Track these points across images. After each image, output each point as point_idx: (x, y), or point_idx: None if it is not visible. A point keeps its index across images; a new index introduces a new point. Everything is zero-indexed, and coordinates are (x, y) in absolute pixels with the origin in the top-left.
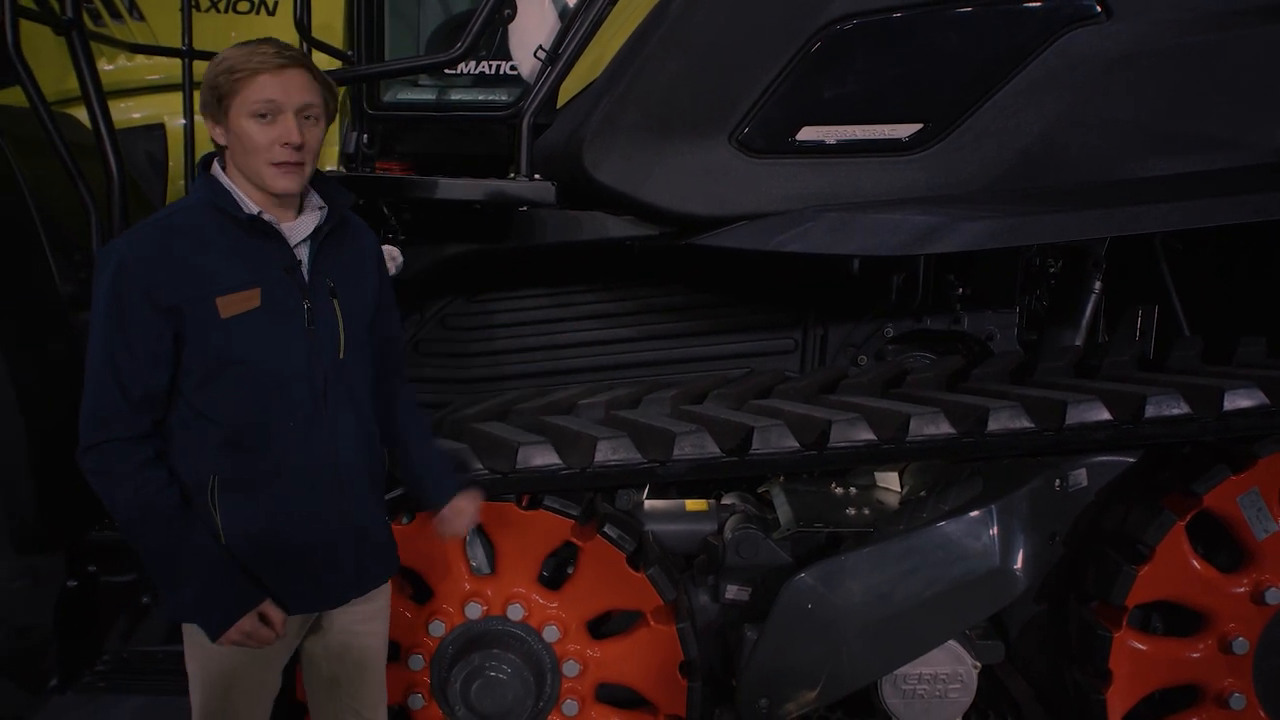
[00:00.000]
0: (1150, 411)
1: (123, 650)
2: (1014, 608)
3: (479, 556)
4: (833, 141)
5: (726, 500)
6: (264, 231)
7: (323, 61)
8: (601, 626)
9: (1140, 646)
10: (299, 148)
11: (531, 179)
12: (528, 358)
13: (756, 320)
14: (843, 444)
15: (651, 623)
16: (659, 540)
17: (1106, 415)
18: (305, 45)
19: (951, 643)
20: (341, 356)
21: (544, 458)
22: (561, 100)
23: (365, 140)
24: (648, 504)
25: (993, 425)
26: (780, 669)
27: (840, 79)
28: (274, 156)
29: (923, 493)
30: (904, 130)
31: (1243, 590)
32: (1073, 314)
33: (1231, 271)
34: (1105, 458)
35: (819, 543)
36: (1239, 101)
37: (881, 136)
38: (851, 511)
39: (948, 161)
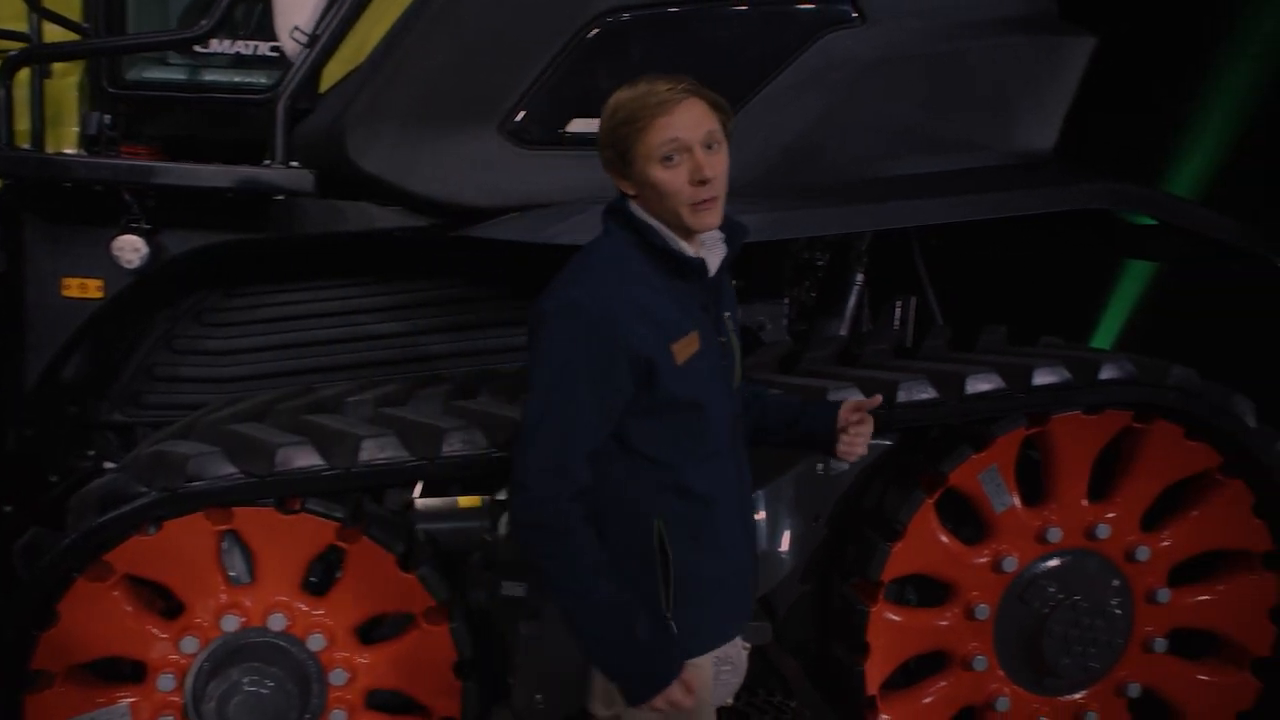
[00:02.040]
0: (902, 397)
1: None
2: (781, 589)
3: (236, 565)
4: (580, 132)
5: (502, 496)
6: (692, 271)
7: (55, 34)
8: (375, 631)
9: (895, 618)
10: (711, 180)
11: (288, 166)
12: (293, 355)
13: None
14: None
15: (423, 624)
16: (432, 539)
17: None
18: (34, 16)
19: None
20: (735, 389)
21: (305, 459)
22: (325, 85)
23: (108, 121)
24: (419, 502)
25: None
26: (556, 664)
27: (609, 72)
28: (692, 197)
29: None
30: None
31: (984, 560)
32: (838, 305)
33: (980, 264)
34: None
35: None
36: (980, 106)
37: None
38: None
39: None
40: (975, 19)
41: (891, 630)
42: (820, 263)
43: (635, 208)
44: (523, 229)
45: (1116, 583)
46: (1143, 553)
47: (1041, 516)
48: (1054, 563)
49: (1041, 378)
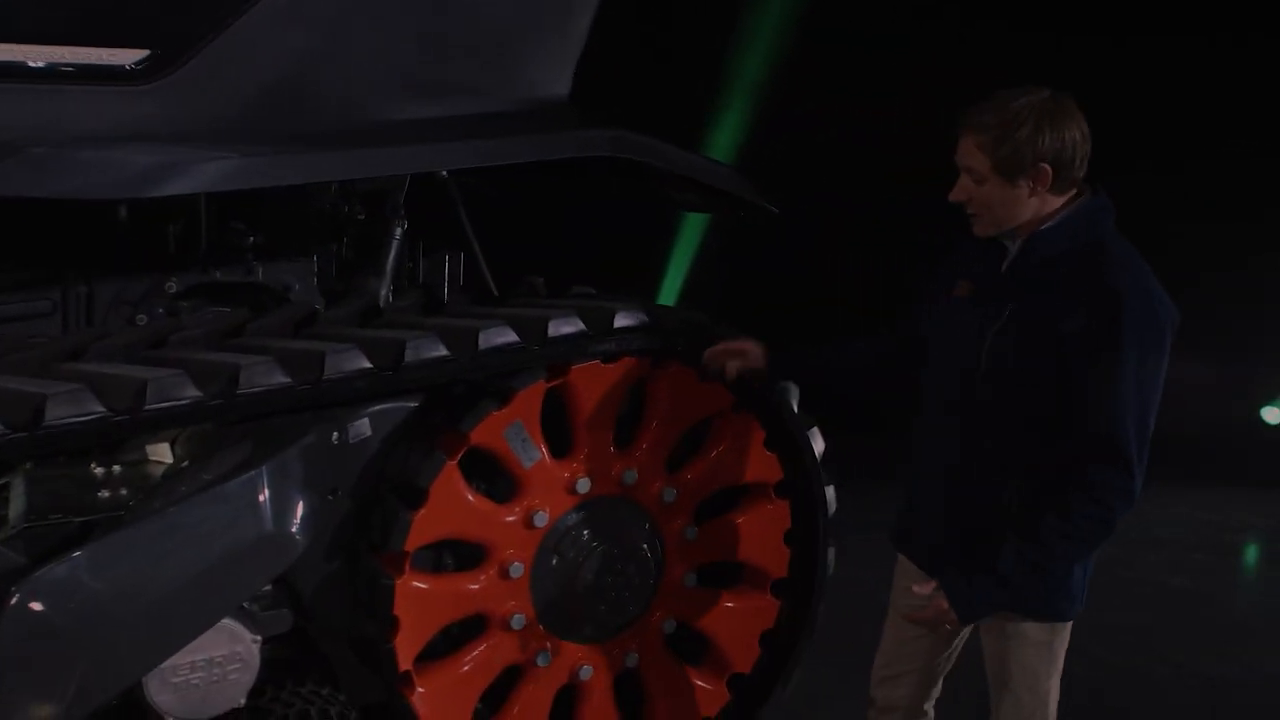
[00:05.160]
0: (409, 356)
1: None
2: (307, 571)
3: None
4: (35, 64)
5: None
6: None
7: None
8: None
9: (424, 587)
10: (964, 203)
11: None
12: None
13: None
14: (65, 421)
15: None
16: None
17: (366, 363)
18: None
19: (226, 621)
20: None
21: None
22: None
23: None
24: None
25: (245, 384)
26: (13, 692)
27: None
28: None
29: (186, 463)
30: (126, 56)
31: (515, 518)
32: (377, 261)
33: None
34: (388, 405)
35: (68, 536)
36: (481, 48)
37: (98, 62)
38: (106, 494)
39: (183, 95)
40: None
41: (421, 601)
42: (361, 217)
43: None
44: None
45: (647, 526)
46: (670, 494)
47: (570, 468)
48: (585, 513)
49: (557, 328)
